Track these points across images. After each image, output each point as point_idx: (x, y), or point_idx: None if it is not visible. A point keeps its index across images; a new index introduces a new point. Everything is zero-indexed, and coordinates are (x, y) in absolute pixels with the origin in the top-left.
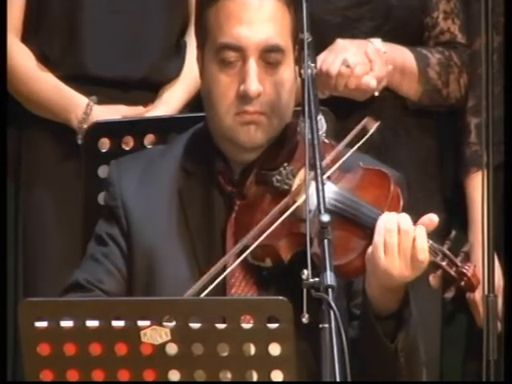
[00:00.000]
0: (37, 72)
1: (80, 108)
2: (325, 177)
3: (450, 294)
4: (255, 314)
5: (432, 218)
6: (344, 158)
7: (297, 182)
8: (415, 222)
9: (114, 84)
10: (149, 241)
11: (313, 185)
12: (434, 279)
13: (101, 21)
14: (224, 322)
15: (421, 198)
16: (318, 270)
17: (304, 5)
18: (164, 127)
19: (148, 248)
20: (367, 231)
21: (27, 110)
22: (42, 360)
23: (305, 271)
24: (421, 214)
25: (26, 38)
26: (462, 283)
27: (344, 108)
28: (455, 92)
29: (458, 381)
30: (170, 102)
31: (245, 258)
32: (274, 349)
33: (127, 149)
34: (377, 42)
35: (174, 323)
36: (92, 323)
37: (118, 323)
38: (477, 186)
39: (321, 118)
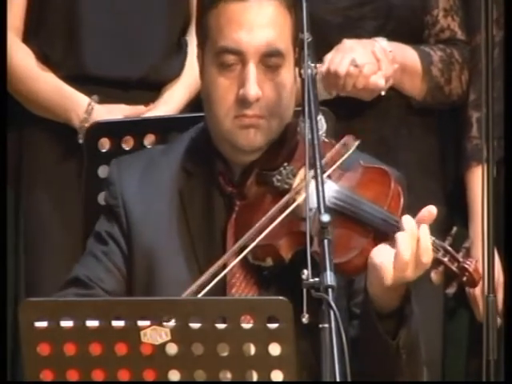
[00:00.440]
0: (37, 72)
1: (81, 108)
2: (325, 175)
3: (451, 290)
4: (255, 314)
5: (431, 210)
6: (344, 158)
7: (297, 181)
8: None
9: (115, 84)
10: (149, 241)
11: (313, 184)
12: (435, 275)
13: (101, 20)
14: (224, 322)
15: (422, 196)
16: (318, 270)
17: (304, 5)
18: (164, 127)
19: (148, 248)
20: (368, 229)
21: (27, 109)
22: (41, 360)
23: (305, 271)
24: None
25: (26, 38)
26: (464, 279)
27: (348, 108)
28: (457, 89)
29: (459, 381)
30: (171, 102)
31: (245, 258)
32: (274, 349)
33: (127, 149)
34: (382, 41)
35: (173, 323)
36: (92, 323)
37: (117, 323)
38: (477, 180)
39: (321, 118)
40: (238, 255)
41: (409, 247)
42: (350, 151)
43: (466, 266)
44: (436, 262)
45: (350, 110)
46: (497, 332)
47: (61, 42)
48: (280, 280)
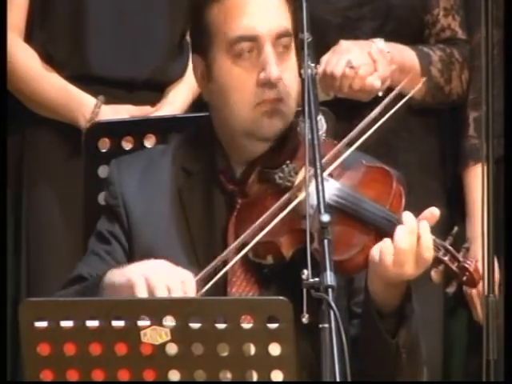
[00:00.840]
0: (41, 72)
1: (87, 108)
2: (326, 174)
3: (451, 289)
4: (255, 314)
5: (433, 212)
6: (345, 155)
7: (299, 178)
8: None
9: (119, 84)
10: (149, 240)
11: (314, 183)
12: (436, 274)
13: (106, 21)
14: (224, 322)
15: (422, 196)
16: (318, 269)
17: (304, 5)
18: (164, 127)
19: (148, 247)
20: (369, 227)
21: (28, 109)
22: (41, 360)
23: (305, 271)
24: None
25: (30, 38)
26: (464, 278)
27: (347, 108)
28: (457, 88)
29: (459, 380)
30: (175, 102)
31: (246, 256)
32: (274, 349)
33: (127, 149)
34: (379, 42)
35: (174, 323)
36: (92, 323)
37: (117, 323)
38: (475, 180)
39: (321, 118)
40: (239, 252)
41: (406, 239)
42: (352, 149)
43: (467, 265)
44: (436, 261)
45: (350, 110)
46: (497, 332)
47: (65, 42)
48: (280, 279)
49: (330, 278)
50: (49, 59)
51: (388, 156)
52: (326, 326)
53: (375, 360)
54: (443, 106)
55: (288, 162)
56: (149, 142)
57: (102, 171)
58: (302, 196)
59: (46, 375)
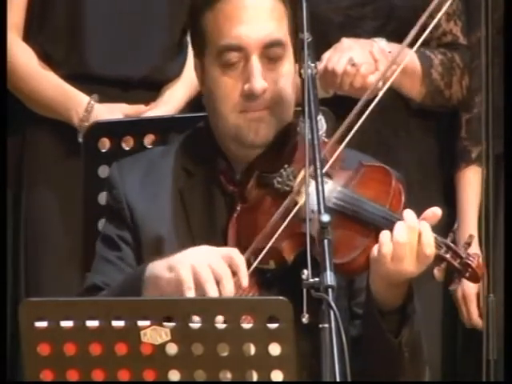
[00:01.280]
0: (38, 70)
1: (81, 106)
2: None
3: (454, 287)
4: (255, 314)
5: (435, 212)
6: (338, 152)
7: (297, 182)
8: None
9: (116, 83)
10: (153, 242)
11: (313, 184)
12: (438, 272)
13: (103, 20)
14: (224, 322)
15: (422, 196)
16: (318, 270)
17: (304, 5)
18: (164, 127)
19: (153, 249)
20: (370, 228)
21: (28, 108)
22: (41, 360)
23: (305, 271)
24: (422, 212)
25: (28, 37)
26: (467, 274)
27: (347, 108)
28: (457, 93)
29: (459, 380)
30: (171, 102)
31: (248, 261)
32: (274, 349)
33: (127, 149)
34: (381, 42)
35: (174, 323)
36: (92, 323)
37: (117, 323)
38: (467, 181)
39: (321, 118)
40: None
41: (405, 234)
42: (344, 143)
43: (469, 261)
44: (438, 259)
45: (350, 110)
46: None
47: (63, 41)
48: (282, 281)
49: (329, 277)
50: (47, 58)
51: (387, 156)
52: (326, 326)
53: (378, 359)
54: (443, 109)
55: (286, 166)
56: (149, 142)
57: (102, 171)
58: (302, 201)
59: (46, 375)
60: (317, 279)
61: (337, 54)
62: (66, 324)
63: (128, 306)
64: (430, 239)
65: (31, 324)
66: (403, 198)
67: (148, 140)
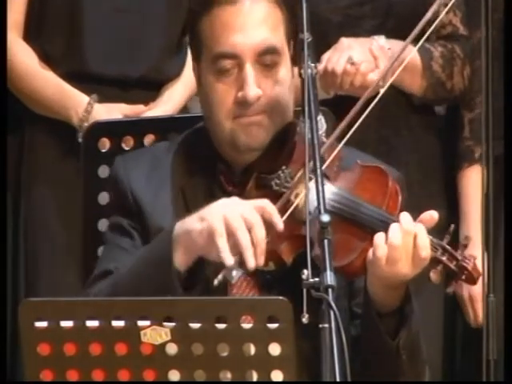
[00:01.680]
0: (38, 70)
1: (81, 106)
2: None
3: (451, 289)
4: (255, 314)
5: (433, 215)
6: (336, 151)
7: (295, 183)
8: (416, 220)
9: (115, 83)
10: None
11: (312, 185)
12: (434, 275)
13: (102, 19)
14: (224, 322)
15: (422, 196)
16: (318, 270)
17: (304, 5)
18: (164, 127)
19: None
20: (367, 230)
21: (28, 108)
22: (41, 360)
23: (305, 271)
24: (422, 212)
25: (28, 37)
26: (463, 277)
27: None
28: (459, 84)
29: (459, 380)
30: (170, 101)
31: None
32: (274, 349)
33: (127, 149)
34: (380, 39)
35: (174, 323)
36: (92, 323)
37: (117, 323)
38: (469, 181)
39: (321, 118)
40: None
41: (399, 236)
42: (343, 141)
43: (465, 264)
44: (434, 262)
45: (350, 110)
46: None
47: (62, 40)
48: (282, 282)
49: (329, 277)
50: (46, 57)
51: (388, 155)
52: (326, 326)
53: (376, 361)
54: (445, 101)
55: (284, 167)
56: (148, 142)
57: (102, 171)
58: (300, 202)
59: (46, 375)
60: (317, 279)
61: (336, 53)
62: (66, 324)
63: (128, 305)
64: (425, 242)
65: (31, 324)
66: (400, 199)
67: (148, 140)
